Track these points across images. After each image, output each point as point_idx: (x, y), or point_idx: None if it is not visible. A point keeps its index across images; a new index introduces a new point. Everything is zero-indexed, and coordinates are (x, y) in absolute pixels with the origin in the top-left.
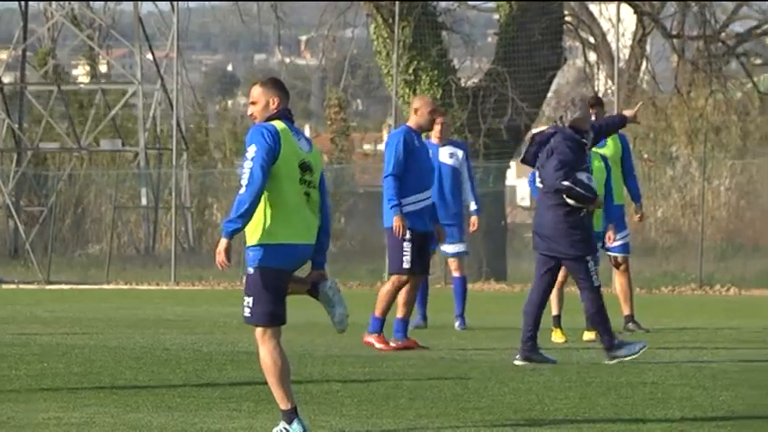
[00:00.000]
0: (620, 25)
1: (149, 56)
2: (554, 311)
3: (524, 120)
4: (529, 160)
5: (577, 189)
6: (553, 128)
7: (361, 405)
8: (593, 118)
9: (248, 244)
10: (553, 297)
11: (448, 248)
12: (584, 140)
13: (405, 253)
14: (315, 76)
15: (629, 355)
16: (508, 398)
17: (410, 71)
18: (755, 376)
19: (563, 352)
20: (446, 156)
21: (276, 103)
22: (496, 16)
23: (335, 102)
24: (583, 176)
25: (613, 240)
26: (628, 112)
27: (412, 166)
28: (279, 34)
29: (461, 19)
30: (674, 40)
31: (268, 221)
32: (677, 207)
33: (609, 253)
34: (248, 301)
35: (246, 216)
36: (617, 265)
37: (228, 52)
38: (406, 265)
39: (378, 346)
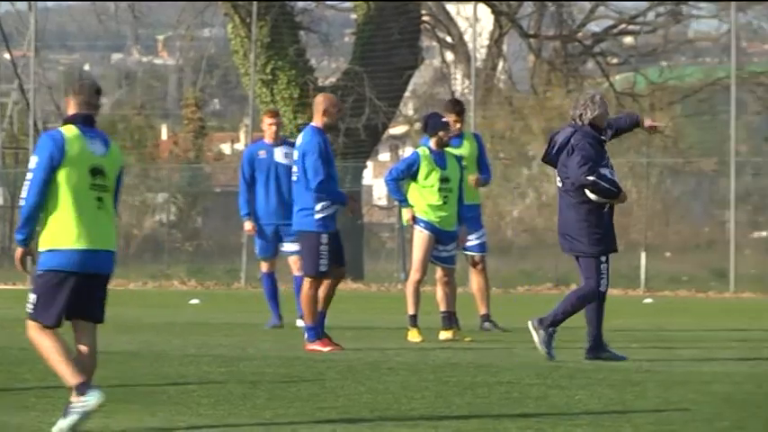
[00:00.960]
0: (477, 25)
1: (6, 55)
2: (410, 311)
3: (381, 119)
4: (550, 160)
5: (603, 183)
6: (572, 126)
7: (218, 405)
8: (457, 125)
9: (38, 248)
10: (410, 296)
11: (290, 247)
12: (603, 137)
13: (321, 256)
14: (172, 75)
15: (609, 359)
16: (365, 397)
17: (267, 71)
18: (611, 375)
19: (420, 352)
20: (281, 155)
21: (72, 108)
22: (354, 16)
23: (192, 101)
24: (606, 171)
25: (465, 241)
26: (647, 121)
27: (329, 169)
28: (136, 34)
29: (319, 19)
30: (531, 40)
31: (53, 227)
32: (534, 207)
33: (466, 252)
34: (32, 298)
35: (27, 226)
36: (474, 264)
37: (86, 52)
38: (322, 269)
39: (324, 349)
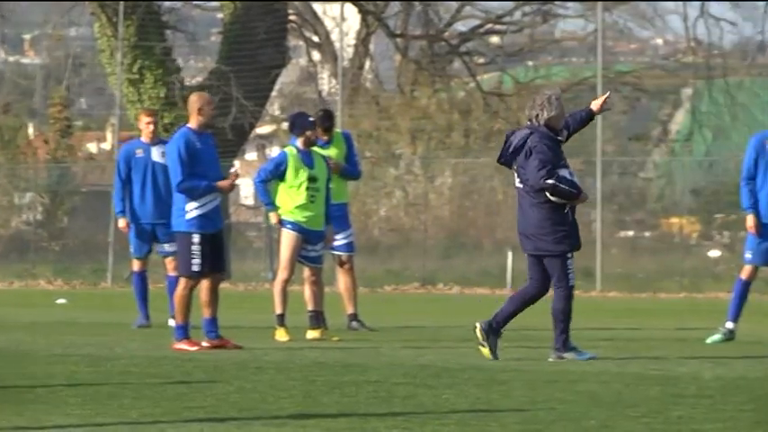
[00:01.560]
0: (343, 24)
1: None
2: (278, 310)
3: (248, 119)
4: (506, 161)
5: (562, 186)
6: (529, 127)
7: (85, 405)
8: (325, 137)
9: None
10: (277, 296)
11: (167, 247)
12: (560, 138)
13: (194, 256)
14: (39, 74)
15: (576, 358)
16: (233, 397)
17: (134, 70)
18: (477, 375)
19: (287, 351)
20: (158, 155)
21: None
22: (220, 15)
23: (59, 100)
24: (565, 173)
25: (333, 240)
26: (594, 105)
27: (197, 168)
28: (3, 33)
29: (186, 18)
30: (398, 40)
31: None
32: (401, 206)
33: (333, 252)
34: None
35: None
36: (341, 264)
37: None
38: (195, 269)
39: (191, 349)
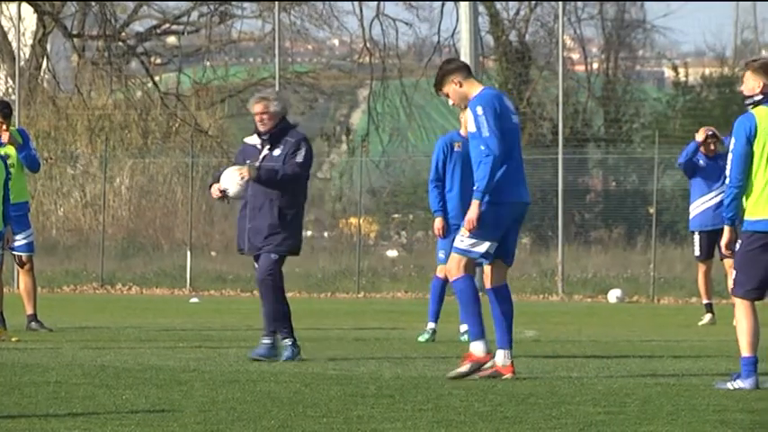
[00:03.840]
0: (20, 24)
1: None
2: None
3: None
4: None
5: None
6: None
7: None
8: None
9: None
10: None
11: None
12: None
13: None
14: None
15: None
16: None
17: None
18: (158, 375)
19: None
20: None
21: None
22: None
23: None
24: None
25: (12, 241)
26: None
27: None
28: None
29: None
30: (75, 40)
31: None
32: (78, 206)
33: (14, 252)
34: None
35: None
36: (21, 265)
37: None
38: None
39: None
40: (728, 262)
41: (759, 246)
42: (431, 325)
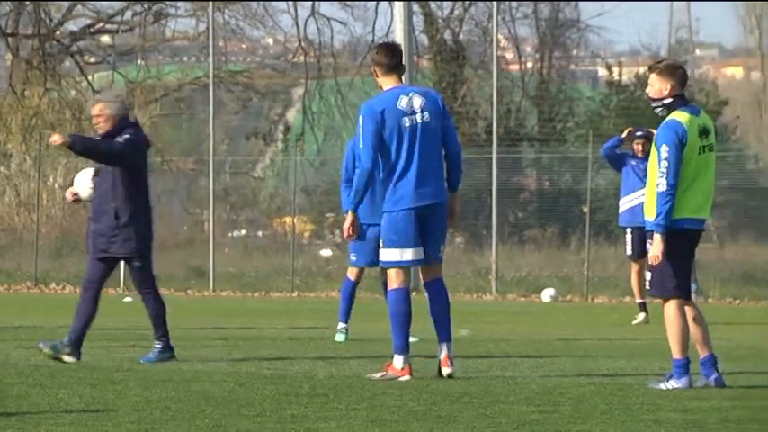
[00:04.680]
0: None
1: None
2: None
3: None
4: None
5: None
6: None
7: None
8: None
9: None
10: None
11: None
12: None
13: None
14: None
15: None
16: None
17: None
18: (92, 374)
19: None
20: None
21: None
22: None
23: None
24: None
25: None
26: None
27: None
28: None
29: None
30: (9, 39)
31: None
32: (12, 205)
33: None
34: None
35: None
36: None
37: None
38: None
39: None
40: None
41: (682, 245)
42: (341, 324)
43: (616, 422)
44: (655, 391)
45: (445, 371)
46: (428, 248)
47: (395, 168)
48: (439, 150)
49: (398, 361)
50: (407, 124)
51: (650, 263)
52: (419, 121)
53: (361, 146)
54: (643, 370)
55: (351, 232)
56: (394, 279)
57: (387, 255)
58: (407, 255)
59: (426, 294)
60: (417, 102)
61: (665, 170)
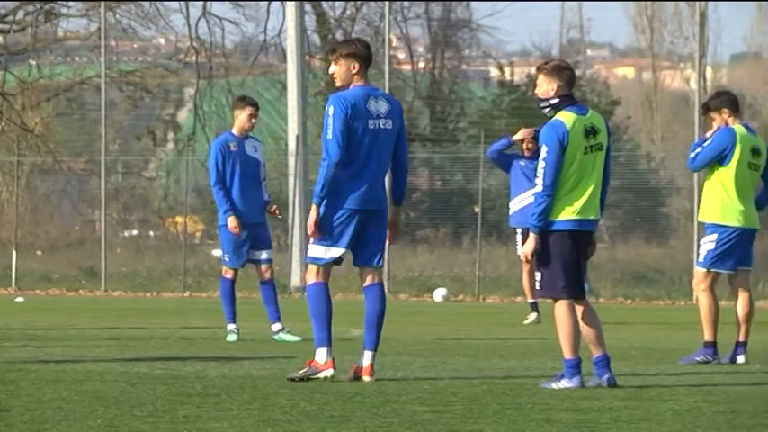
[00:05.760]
0: None
1: None
2: None
3: None
4: None
5: None
6: None
7: None
8: None
9: None
10: None
11: None
12: None
13: None
14: None
15: None
16: None
17: None
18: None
19: None
20: None
21: None
22: None
23: None
24: None
25: None
26: None
27: None
28: None
29: None
30: None
31: None
32: None
33: None
34: None
35: None
36: None
37: None
38: None
39: None
40: None
41: (568, 246)
42: (231, 326)
43: (508, 422)
44: (546, 391)
45: (366, 379)
46: (366, 253)
47: (348, 167)
48: (390, 159)
49: (321, 354)
50: (371, 127)
51: (521, 259)
52: (382, 126)
53: (329, 137)
54: (535, 370)
55: (238, 231)
56: (314, 274)
57: (314, 251)
58: (332, 253)
59: (365, 298)
60: (384, 107)
61: (542, 171)
